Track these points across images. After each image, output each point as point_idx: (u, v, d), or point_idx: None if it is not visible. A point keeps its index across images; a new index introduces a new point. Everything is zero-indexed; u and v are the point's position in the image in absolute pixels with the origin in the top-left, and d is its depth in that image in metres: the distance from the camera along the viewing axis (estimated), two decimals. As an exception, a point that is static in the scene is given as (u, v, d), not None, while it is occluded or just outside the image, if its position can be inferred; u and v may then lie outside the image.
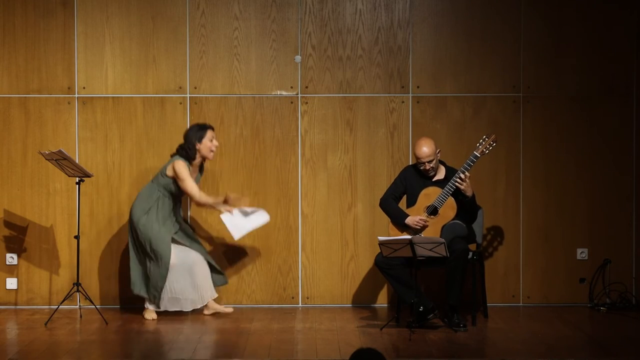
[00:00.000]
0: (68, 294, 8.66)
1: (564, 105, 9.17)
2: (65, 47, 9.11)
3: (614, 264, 9.12)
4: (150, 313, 8.60)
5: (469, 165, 8.18)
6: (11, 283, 9.14)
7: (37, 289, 9.13)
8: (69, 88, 9.12)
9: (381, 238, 7.90)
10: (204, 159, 8.66)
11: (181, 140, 8.65)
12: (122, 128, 9.14)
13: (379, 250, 8.05)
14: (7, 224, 9.12)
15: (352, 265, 9.18)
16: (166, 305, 8.59)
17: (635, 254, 9.16)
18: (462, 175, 8.15)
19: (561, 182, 9.17)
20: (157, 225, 8.51)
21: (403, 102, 9.16)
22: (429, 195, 8.26)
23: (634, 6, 9.13)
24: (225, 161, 9.09)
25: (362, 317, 8.66)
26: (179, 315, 8.69)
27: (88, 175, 8.57)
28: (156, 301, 8.56)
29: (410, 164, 8.80)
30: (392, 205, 8.41)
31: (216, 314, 8.72)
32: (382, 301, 9.20)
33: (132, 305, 8.98)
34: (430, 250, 7.80)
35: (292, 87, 9.16)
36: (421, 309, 8.02)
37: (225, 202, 8.54)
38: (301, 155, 9.17)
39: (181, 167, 8.54)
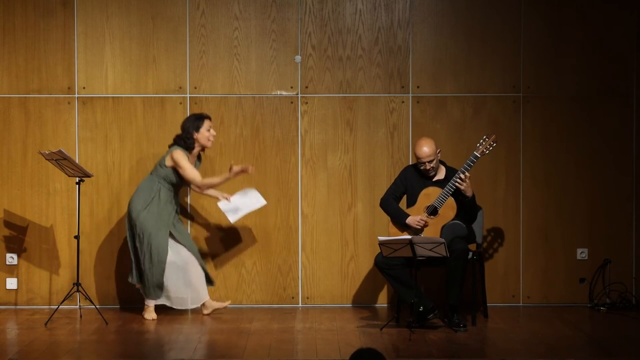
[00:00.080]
0: (68, 294, 8.65)
1: (564, 105, 9.16)
2: (65, 47, 9.10)
3: (614, 264, 9.12)
4: (150, 313, 8.60)
5: (469, 165, 8.18)
6: (11, 283, 9.13)
7: (37, 289, 9.13)
8: (69, 88, 9.11)
9: (381, 238, 7.90)
10: (202, 148, 8.68)
11: (181, 138, 8.69)
12: (122, 128, 9.13)
13: (379, 250, 8.05)
14: (7, 224, 9.11)
15: (352, 265, 9.18)
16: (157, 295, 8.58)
17: (635, 254, 9.16)
18: (462, 176, 8.14)
19: (561, 182, 9.17)
20: (156, 222, 8.51)
21: (403, 102, 9.15)
22: (429, 195, 8.25)
23: (634, 6, 9.12)
24: (226, 161, 9.08)
25: (362, 317, 8.65)
26: (179, 315, 8.69)
27: (88, 175, 8.57)
28: (147, 293, 8.55)
29: (411, 163, 8.80)
30: (392, 205, 8.40)
31: (216, 313, 8.72)
32: (382, 301, 9.19)
33: (132, 305, 8.98)
34: (430, 250, 7.80)
35: (292, 87, 9.16)
36: (421, 309, 8.01)
37: (230, 171, 8.54)
38: (301, 155, 9.17)
39: (180, 155, 8.55)
